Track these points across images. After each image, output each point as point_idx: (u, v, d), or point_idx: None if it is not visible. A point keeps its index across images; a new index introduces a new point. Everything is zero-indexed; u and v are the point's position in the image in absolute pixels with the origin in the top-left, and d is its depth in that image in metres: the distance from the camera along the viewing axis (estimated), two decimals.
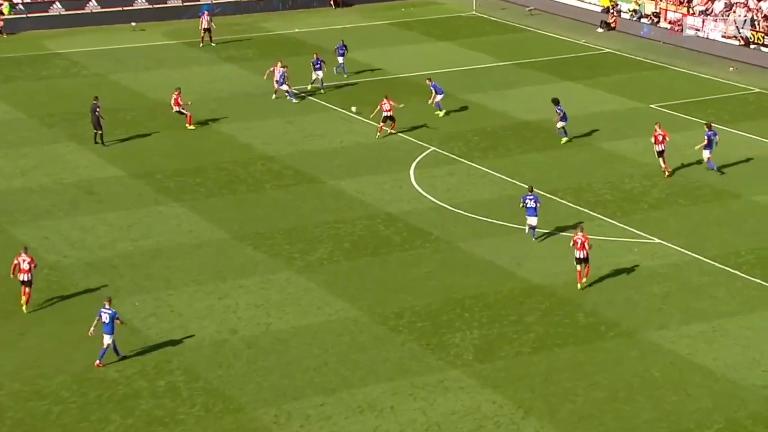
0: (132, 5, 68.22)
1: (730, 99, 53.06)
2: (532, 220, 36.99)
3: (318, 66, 52.73)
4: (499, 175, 43.20)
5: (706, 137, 42.72)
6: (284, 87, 51.45)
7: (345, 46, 55.77)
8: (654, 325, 31.70)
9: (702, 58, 59.49)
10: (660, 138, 42.34)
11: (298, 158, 45.17)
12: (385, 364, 29.72)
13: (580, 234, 33.84)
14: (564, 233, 37.51)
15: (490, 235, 37.63)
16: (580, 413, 27.44)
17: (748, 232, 37.97)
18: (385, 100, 46.77)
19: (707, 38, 61.84)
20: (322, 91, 52.64)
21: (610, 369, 29.47)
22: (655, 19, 65.45)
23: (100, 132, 46.15)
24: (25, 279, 32.10)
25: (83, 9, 67.48)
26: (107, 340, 29.46)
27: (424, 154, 45.57)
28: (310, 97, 52.31)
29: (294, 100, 51.45)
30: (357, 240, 37.49)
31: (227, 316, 32.30)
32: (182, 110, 48.36)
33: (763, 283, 34.17)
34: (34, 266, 32.31)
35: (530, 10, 70.28)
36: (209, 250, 36.70)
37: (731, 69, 57.70)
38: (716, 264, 35.46)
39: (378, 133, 46.90)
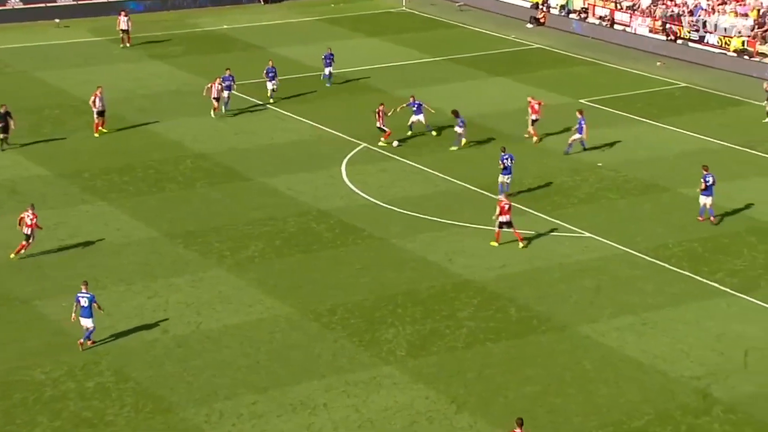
0: (56, 1, 67.15)
1: (658, 93, 53.70)
2: (507, 178, 39.69)
3: (271, 76, 50.38)
4: (431, 171, 43.21)
5: (579, 122, 43.91)
6: (225, 94, 48.54)
7: (332, 55, 53.08)
8: (585, 318, 31.90)
9: (630, 54, 60.16)
10: (536, 107, 45.58)
11: (228, 156, 44.78)
12: (317, 362, 29.55)
13: (504, 198, 36.05)
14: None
15: (422, 231, 37.61)
16: (512, 407, 27.50)
17: (676, 225, 38.40)
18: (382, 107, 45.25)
19: (635, 33, 62.57)
20: (271, 101, 50.55)
21: (542, 363, 29.60)
22: (584, 15, 66.06)
23: (2, 136, 44.72)
24: (26, 233, 34.84)
25: (5, 5, 66.33)
26: (88, 323, 29.72)
27: (356, 150, 45.44)
28: (247, 98, 51.78)
29: (225, 110, 49.02)
30: (289, 237, 37.25)
31: (157, 316, 31.89)
32: (100, 111, 46.12)
33: (692, 275, 34.58)
34: (36, 226, 34.88)
35: (460, 6, 70.57)
36: (138, 248, 36.22)
37: (658, 64, 58.41)
38: (646, 257, 35.81)
39: (384, 139, 45.40)
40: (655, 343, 30.59)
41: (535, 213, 39.16)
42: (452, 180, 42.06)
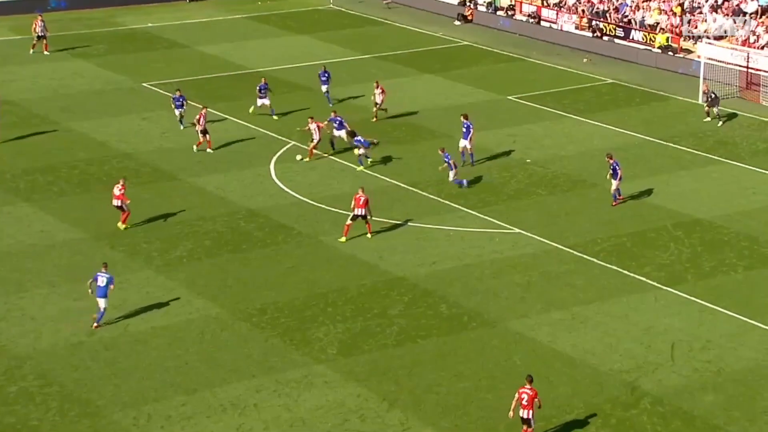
0: None
1: (585, 90, 54.13)
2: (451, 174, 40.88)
3: (263, 93, 47.66)
4: (360, 168, 43.07)
5: (464, 127, 42.67)
6: (179, 111, 46.01)
7: (328, 73, 49.74)
8: (516, 314, 32.01)
9: (557, 50, 60.59)
10: (381, 91, 47.70)
11: (155, 155, 44.24)
12: (248, 362, 29.27)
13: (361, 192, 36.19)
14: (428, 225, 37.65)
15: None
16: (443, 404, 27.49)
17: (605, 220, 38.72)
18: (311, 121, 43.17)
19: (562, 30, 63.03)
20: (275, 117, 47.84)
21: (474, 359, 29.63)
22: (511, 12, 66.41)
23: None
24: (116, 204, 36.76)
25: None
26: (103, 303, 30.27)
27: (285, 148, 45.15)
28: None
29: (182, 126, 46.56)
30: (218, 237, 36.88)
31: (84, 318, 31.31)
32: None
33: (620, 270, 34.87)
34: (125, 199, 36.69)
35: (388, 3, 70.56)
36: (63, 250, 35.59)
37: (585, 60, 58.90)
38: (575, 252, 36.04)
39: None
40: (585, 337, 30.79)
41: (465, 209, 39.23)
42: (381, 177, 41.96)
